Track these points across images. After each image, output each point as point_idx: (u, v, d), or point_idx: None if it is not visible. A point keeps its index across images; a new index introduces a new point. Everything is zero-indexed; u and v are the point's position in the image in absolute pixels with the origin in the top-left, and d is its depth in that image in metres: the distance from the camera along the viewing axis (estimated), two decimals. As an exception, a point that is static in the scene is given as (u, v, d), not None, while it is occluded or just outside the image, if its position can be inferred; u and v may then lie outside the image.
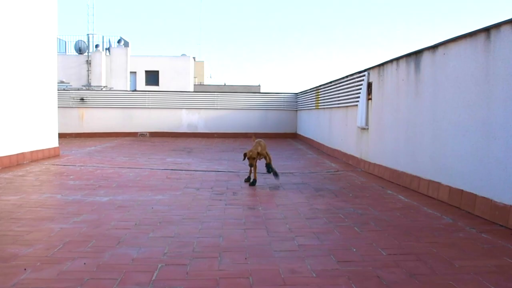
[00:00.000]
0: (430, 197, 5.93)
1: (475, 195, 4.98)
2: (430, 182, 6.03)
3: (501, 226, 4.44)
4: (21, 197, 5.71)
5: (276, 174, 7.05)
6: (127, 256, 3.50)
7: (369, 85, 8.74)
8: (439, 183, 5.79)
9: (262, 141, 7.18)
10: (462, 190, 5.25)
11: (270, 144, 14.24)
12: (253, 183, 6.89)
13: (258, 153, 6.81)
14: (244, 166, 9.08)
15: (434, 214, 5.01)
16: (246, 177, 7.31)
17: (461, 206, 5.21)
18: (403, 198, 5.96)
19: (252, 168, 6.92)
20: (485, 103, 4.88)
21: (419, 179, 6.38)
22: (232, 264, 3.34)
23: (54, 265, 3.25)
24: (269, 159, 7.10)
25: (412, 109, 6.74)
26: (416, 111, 6.60)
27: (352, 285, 2.95)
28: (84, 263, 3.30)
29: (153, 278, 3.04)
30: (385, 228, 4.43)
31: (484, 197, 4.82)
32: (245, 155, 6.89)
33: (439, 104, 5.90)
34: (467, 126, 5.20)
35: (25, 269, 3.15)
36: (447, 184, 5.59)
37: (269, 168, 7.07)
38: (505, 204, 4.48)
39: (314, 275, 3.14)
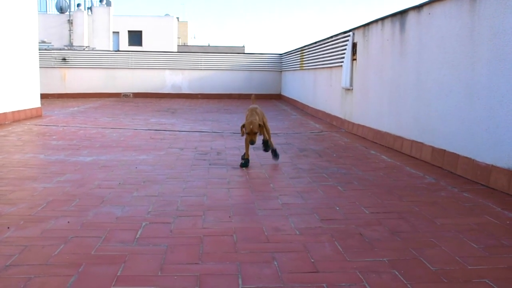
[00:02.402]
0: (413, 157, 5.97)
1: (458, 155, 5.02)
2: (413, 142, 6.07)
3: (483, 185, 4.49)
4: (3, 156, 5.67)
5: (276, 154, 5.67)
6: (111, 214, 3.50)
7: (354, 46, 8.69)
8: (422, 143, 5.83)
9: (258, 108, 5.69)
10: (444, 150, 5.29)
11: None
12: (245, 164, 5.35)
13: (260, 126, 5.34)
14: (228, 127, 9.06)
15: (417, 174, 5.06)
16: (242, 160, 5.47)
17: (444, 166, 5.26)
18: (386, 158, 6.00)
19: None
20: (469, 64, 4.87)
21: (402, 139, 6.41)
22: (216, 222, 3.36)
23: (38, 224, 3.24)
24: (268, 134, 5.70)
25: (397, 69, 6.73)
26: (401, 72, 6.59)
27: (335, 242, 2.98)
28: (68, 222, 3.30)
29: (137, 236, 3.05)
30: (368, 187, 4.46)
31: (466, 157, 4.86)
32: (243, 128, 5.35)
33: (423, 64, 5.90)
34: (451, 86, 5.21)
35: (8, 228, 3.14)
36: (430, 144, 5.62)
37: (267, 146, 5.68)
38: (486, 164, 4.53)
39: (298, 232, 3.17)
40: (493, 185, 4.38)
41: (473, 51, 4.81)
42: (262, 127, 5.42)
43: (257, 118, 5.36)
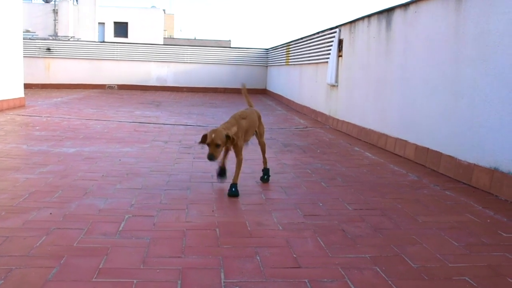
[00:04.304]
0: (396, 154, 6.01)
1: (441, 153, 5.06)
2: (397, 140, 6.10)
3: (465, 184, 4.53)
4: (-15, 146, 5.61)
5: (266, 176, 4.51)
6: (93, 206, 3.48)
7: (340, 42, 8.71)
8: (406, 141, 5.86)
9: (254, 112, 4.49)
10: (428, 148, 5.33)
11: (240, 100, 14.24)
12: (222, 174, 4.30)
13: (229, 139, 3.84)
14: (213, 121, 9.04)
15: (400, 171, 5.09)
16: (217, 173, 4.36)
17: (427, 164, 5.30)
18: (370, 155, 6.03)
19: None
20: (454, 62, 4.91)
21: (386, 136, 6.44)
22: (200, 216, 3.36)
23: (20, 215, 3.22)
24: (264, 152, 4.55)
25: (383, 66, 6.76)
26: (386, 69, 6.62)
27: (318, 238, 2.99)
28: (50, 213, 3.28)
29: (120, 228, 3.04)
30: (352, 184, 4.48)
31: (449, 156, 4.89)
32: (204, 138, 3.87)
33: (409, 62, 5.93)
34: (436, 84, 5.25)
35: (-11, 218, 3.12)
36: (414, 142, 5.66)
37: (267, 175, 4.52)
38: (469, 163, 4.57)
39: (281, 228, 3.18)
40: (475, 184, 4.42)
41: (458, 51, 4.85)
42: (233, 143, 3.90)
43: (233, 128, 3.97)
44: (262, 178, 4.48)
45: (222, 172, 4.29)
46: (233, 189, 3.94)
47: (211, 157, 3.73)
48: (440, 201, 3.97)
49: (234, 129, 3.97)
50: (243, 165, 4.09)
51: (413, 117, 5.75)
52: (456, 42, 4.87)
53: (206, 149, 3.77)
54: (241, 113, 4.24)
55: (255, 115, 4.46)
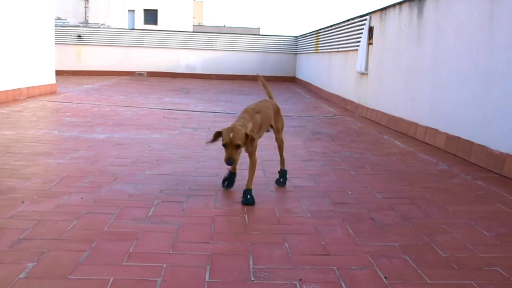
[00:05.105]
0: (426, 143, 5.95)
1: (472, 142, 4.99)
2: (427, 128, 6.04)
3: (496, 173, 4.47)
4: (17, 132, 5.71)
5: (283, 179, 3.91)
6: (123, 192, 3.52)
7: (370, 30, 8.63)
8: (436, 130, 5.79)
9: (271, 104, 3.93)
10: (459, 137, 5.26)
11: (269, 88, 14.14)
12: (230, 180, 3.73)
13: (247, 137, 3.29)
14: (242, 108, 9.02)
15: (430, 160, 5.04)
16: (224, 177, 3.78)
17: (457, 153, 5.23)
18: (399, 144, 5.98)
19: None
20: (487, 51, 4.82)
21: (416, 125, 6.37)
22: (228, 202, 3.37)
23: (51, 199, 3.27)
24: (282, 150, 3.96)
25: (413, 55, 6.68)
26: (417, 57, 6.54)
27: (346, 226, 2.98)
28: (81, 198, 3.32)
29: (149, 213, 3.07)
30: (381, 172, 4.45)
31: (481, 145, 4.82)
32: (217, 136, 3.39)
33: (440, 50, 5.84)
34: (468, 73, 5.16)
35: (22, 202, 3.17)
36: (445, 131, 5.59)
37: (284, 177, 3.91)
38: (501, 152, 4.50)
39: (309, 215, 3.18)
40: (506, 174, 4.35)
41: (491, 38, 4.76)
42: (253, 142, 3.35)
43: (249, 124, 3.44)
44: (277, 181, 3.87)
45: (230, 178, 3.72)
46: (248, 196, 3.36)
47: (231, 161, 3.22)
48: (470, 190, 3.92)
49: (250, 125, 3.44)
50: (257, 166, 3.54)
51: (444, 105, 5.67)
52: (490, 30, 4.78)
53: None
54: (255, 106, 3.68)
55: (271, 108, 3.85)
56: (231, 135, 3.20)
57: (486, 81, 4.81)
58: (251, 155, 3.47)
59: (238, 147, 3.20)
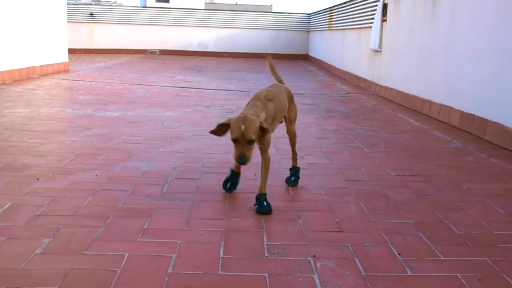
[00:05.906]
0: (440, 121, 5.91)
1: (487, 120, 4.95)
2: (441, 106, 5.99)
3: (511, 151, 4.43)
4: (31, 110, 5.73)
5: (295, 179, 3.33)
6: (137, 169, 3.54)
7: (385, 6, 8.54)
8: (450, 108, 5.75)
9: (285, 90, 3.26)
10: (473, 115, 5.22)
11: (281, 66, 14.16)
12: (233, 181, 3.13)
13: (262, 130, 2.67)
14: (254, 86, 9.02)
15: (444, 138, 5.01)
16: (225, 178, 3.17)
17: (472, 131, 5.19)
18: (413, 121, 5.94)
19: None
20: (503, 27, 4.76)
21: (430, 103, 6.33)
22: (242, 179, 3.36)
23: (66, 176, 3.29)
24: (294, 144, 3.35)
25: (428, 31, 6.61)
26: (432, 34, 6.47)
27: (360, 203, 2.98)
28: (96, 175, 3.34)
29: (164, 190, 3.08)
30: (395, 150, 4.43)
31: (496, 122, 4.78)
32: (221, 129, 2.79)
33: (455, 27, 5.77)
34: (483, 50, 5.10)
35: (37, 179, 3.19)
36: (459, 109, 5.55)
37: (297, 176, 3.34)
38: (516, 130, 4.46)
39: (323, 192, 3.18)
40: (522, 151, 4.32)
41: (507, 15, 4.69)
42: (267, 133, 2.72)
43: (262, 114, 2.80)
44: (288, 180, 3.32)
45: (234, 179, 3.14)
46: (265, 202, 2.79)
47: (244, 159, 2.60)
48: (485, 168, 3.90)
49: (263, 115, 2.81)
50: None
51: (459, 83, 5.62)
52: (506, 6, 4.71)
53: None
54: (267, 92, 2.98)
55: (284, 95, 3.20)
56: (243, 127, 2.58)
57: (502, 58, 4.75)
58: (264, 152, 2.88)
59: (251, 142, 2.60)
